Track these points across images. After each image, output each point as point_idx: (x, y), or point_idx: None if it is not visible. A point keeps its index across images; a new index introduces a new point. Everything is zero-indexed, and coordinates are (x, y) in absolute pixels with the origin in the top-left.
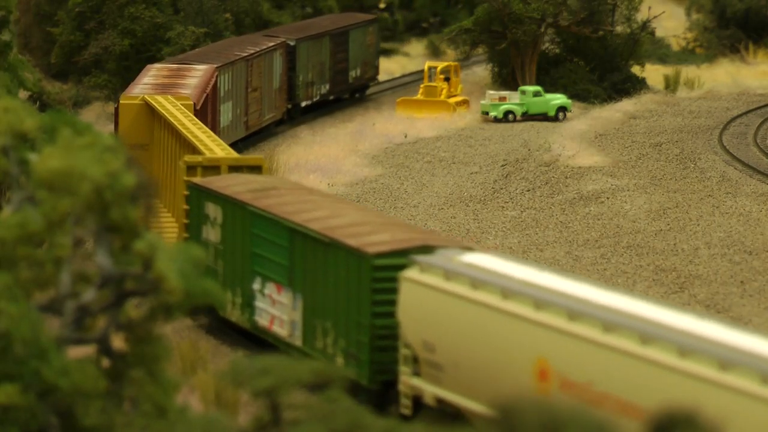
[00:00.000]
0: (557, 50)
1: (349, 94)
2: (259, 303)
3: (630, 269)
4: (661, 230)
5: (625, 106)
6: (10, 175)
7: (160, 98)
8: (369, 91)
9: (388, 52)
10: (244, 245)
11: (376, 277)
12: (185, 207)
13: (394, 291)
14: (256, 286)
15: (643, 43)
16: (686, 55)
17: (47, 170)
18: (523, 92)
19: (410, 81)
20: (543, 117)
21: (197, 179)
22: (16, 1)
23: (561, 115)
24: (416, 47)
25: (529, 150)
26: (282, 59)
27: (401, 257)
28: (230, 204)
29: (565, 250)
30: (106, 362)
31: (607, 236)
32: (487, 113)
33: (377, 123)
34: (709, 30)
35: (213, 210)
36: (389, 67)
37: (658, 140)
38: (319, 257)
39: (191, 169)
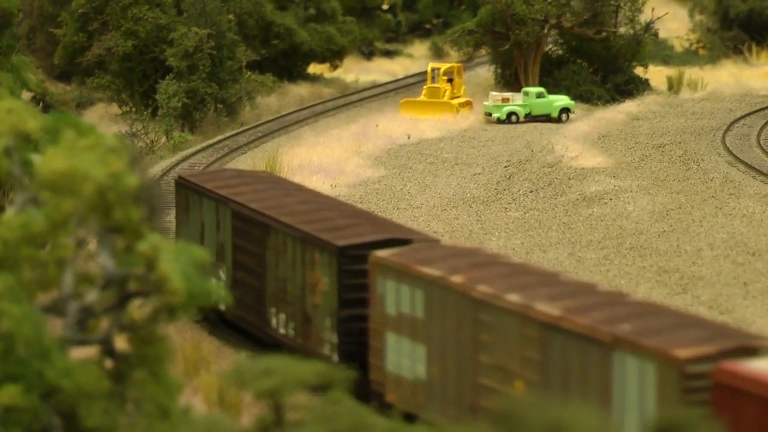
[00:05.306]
0: (560, 51)
1: None
2: None
3: (633, 270)
4: (664, 231)
5: (628, 107)
6: (13, 176)
7: None
8: (370, 93)
9: (391, 53)
10: None
11: None
12: None
13: None
14: None
15: (646, 45)
16: (689, 57)
17: (50, 171)
18: (526, 93)
19: (413, 82)
20: (546, 118)
21: None
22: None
23: (564, 116)
24: (419, 48)
25: (532, 151)
26: None
27: None
28: None
29: (568, 251)
30: (108, 363)
31: (610, 237)
32: (490, 114)
33: (380, 124)
34: (713, 31)
35: None
36: (392, 68)
37: (661, 141)
38: None
39: None
